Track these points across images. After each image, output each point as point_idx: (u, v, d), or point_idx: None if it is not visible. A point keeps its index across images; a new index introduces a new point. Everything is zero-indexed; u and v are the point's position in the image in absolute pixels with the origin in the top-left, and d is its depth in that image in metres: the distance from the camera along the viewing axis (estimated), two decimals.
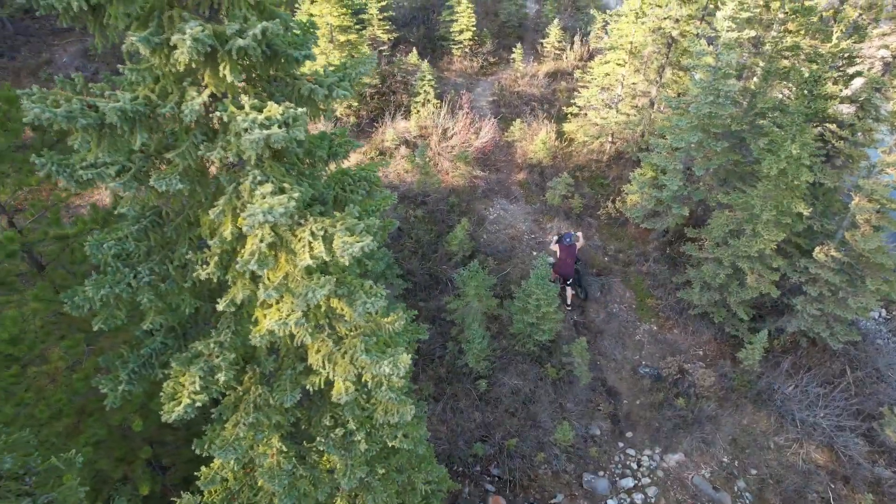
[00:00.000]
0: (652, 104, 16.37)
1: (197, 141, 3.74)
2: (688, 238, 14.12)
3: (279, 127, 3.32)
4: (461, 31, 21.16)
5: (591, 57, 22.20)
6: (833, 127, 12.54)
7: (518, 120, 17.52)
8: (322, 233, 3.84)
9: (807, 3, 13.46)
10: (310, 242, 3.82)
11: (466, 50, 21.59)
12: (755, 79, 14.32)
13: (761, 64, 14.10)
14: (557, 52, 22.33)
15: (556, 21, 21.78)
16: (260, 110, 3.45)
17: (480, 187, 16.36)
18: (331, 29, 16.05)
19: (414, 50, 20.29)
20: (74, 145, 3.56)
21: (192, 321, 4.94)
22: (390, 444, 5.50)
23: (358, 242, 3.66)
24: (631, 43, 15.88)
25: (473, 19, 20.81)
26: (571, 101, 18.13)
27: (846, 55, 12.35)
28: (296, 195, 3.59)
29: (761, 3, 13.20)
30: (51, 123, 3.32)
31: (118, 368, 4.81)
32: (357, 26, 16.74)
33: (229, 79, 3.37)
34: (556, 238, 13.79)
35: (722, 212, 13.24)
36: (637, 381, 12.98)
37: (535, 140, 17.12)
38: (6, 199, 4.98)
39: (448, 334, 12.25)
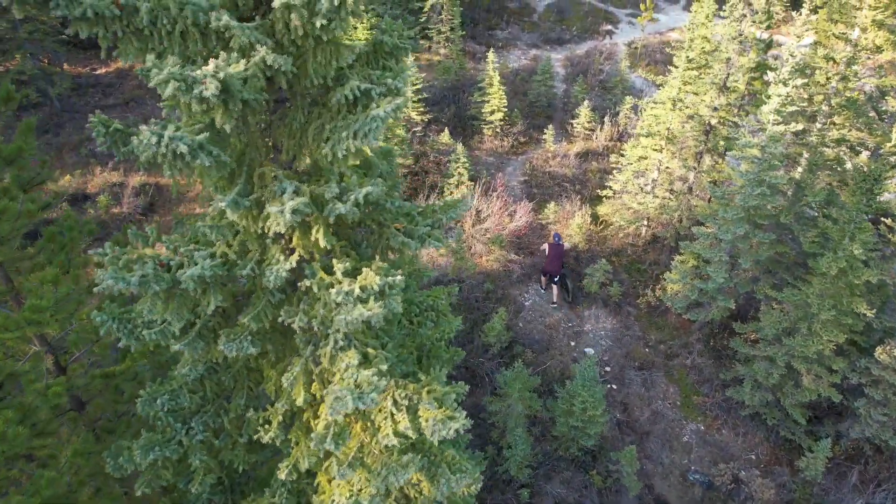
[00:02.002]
0: (690, 189, 16.12)
1: (274, 301, 3.39)
2: (735, 333, 13.46)
3: (375, 300, 2.96)
4: (492, 112, 21.42)
5: (620, 137, 22.29)
6: (889, 221, 12.08)
7: (552, 203, 17.34)
8: (406, 402, 3.40)
9: (848, 95, 13.34)
10: (392, 414, 3.38)
11: (497, 129, 21.79)
12: (800, 168, 14.06)
13: (806, 155, 13.86)
14: (587, 132, 22.45)
15: (585, 102, 22.00)
16: (353, 276, 3.11)
17: (515, 272, 15.98)
18: None
19: (446, 130, 20.50)
20: (143, 310, 3.22)
21: (244, 475, 4.46)
22: None
23: (451, 421, 3.21)
24: (668, 129, 15.82)
25: (505, 100, 21.09)
26: (605, 183, 17.97)
27: None
28: (384, 367, 3.19)
29: (805, 96, 13.09)
30: (121, 292, 3.00)
31: None
32: None
33: (322, 244, 3.06)
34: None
35: (771, 306, 12.66)
36: (687, 490, 12.04)
37: (570, 224, 16.85)
38: (55, 336, 4.68)
39: (487, 437, 11.55)
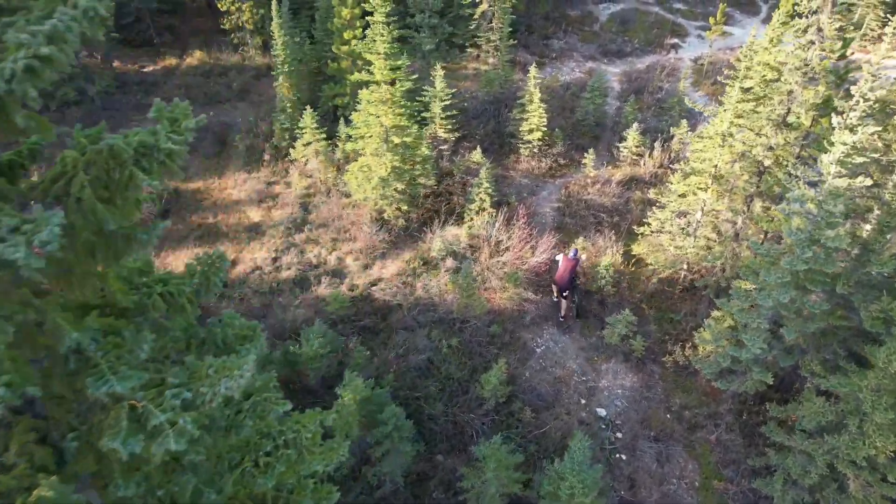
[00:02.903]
0: (736, 235, 14.20)
1: None
2: (771, 416, 11.58)
3: None
4: (531, 131, 20.00)
5: (672, 163, 20.31)
6: None
7: (581, 239, 15.79)
8: None
9: None
10: None
11: (535, 150, 20.34)
12: (868, 227, 11.96)
13: (877, 211, 11.75)
14: (635, 157, 20.63)
15: (635, 126, 20.17)
16: None
17: (530, 313, 14.60)
18: (385, 130, 15.27)
19: (477, 148, 19.27)
20: None
21: None
22: None
23: None
24: (715, 167, 13.97)
25: (545, 119, 19.62)
26: (645, 217, 16.19)
27: None
28: None
29: (880, 144, 11.04)
30: None
31: None
32: (414, 128, 15.90)
33: None
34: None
35: (815, 391, 10.75)
36: None
37: (599, 262, 15.26)
38: None
39: None
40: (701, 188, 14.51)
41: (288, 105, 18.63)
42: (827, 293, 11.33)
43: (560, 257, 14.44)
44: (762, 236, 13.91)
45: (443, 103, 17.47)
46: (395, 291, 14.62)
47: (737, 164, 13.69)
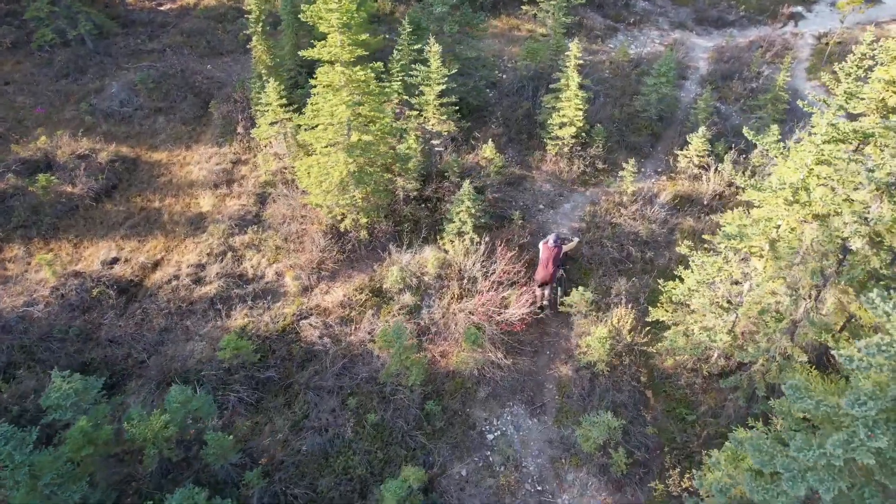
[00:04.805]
0: (792, 332, 9.86)
1: None
2: None
3: None
4: (562, 125, 15.79)
5: (753, 174, 15.40)
6: None
7: (581, 288, 11.89)
8: None
9: None
10: None
11: (566, 149, 16.14)
12: None
13: None
14: (698, 169, 15.93)
15: (702, 129, 15.36)
16: None
17: (491, 383, 11.21)
18: (346, 123, 11.87)
19: (489, 141, 15.41)
20: None
21: None
22: None
23: None
24: (777, 228, 9.58)
25: (580, 112, 15.31)
26: (689, 262, 11.85)
27: None
28: None
29: None
30: None
31: None
32: (386, 119, 12.40)
33: None
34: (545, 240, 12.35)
35: None
36: None
37: (593, 332, 11.41)
38: None
39: None
40: (754, 253, 10.17)
41: (263, 71, 15.57)
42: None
43: (540, 246, 12.28)
44: (792, 388, 9.41)
45: (439, 87, 13.66)
46: (328, 331, 11.68)
47: (808, 230, 9.21)
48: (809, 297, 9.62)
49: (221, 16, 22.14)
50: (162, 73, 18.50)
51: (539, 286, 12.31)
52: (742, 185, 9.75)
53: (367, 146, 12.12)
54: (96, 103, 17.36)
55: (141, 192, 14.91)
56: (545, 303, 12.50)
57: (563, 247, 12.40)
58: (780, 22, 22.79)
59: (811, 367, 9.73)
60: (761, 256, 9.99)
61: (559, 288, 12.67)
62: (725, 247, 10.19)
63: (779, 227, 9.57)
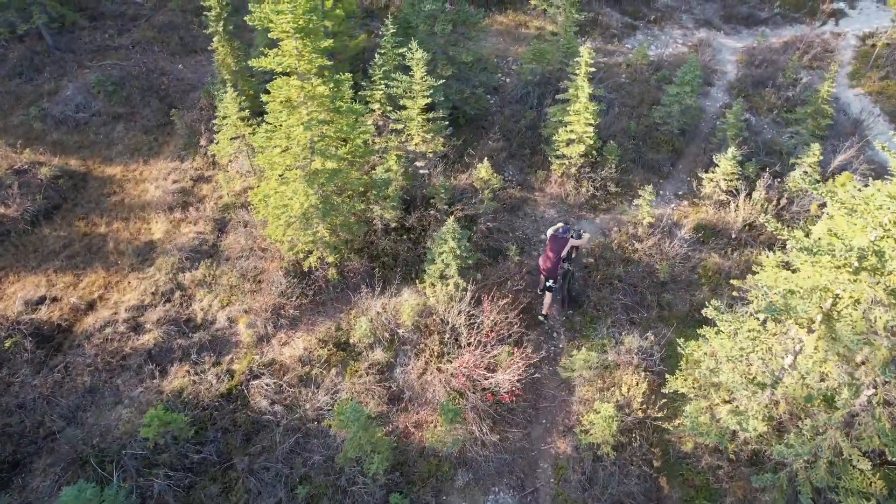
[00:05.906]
0: (849, 429, 7.83)
1: None
2: None
3: None
4: (569, 142, 13.74)
5: (780, 214, 13.27)
6: None
7: (584, 349, 9.93)
8: None
9: None
10: None
11: (572, 169, 14.09)
12: None
13: None
14: (726, 195, 13.81)
15: (731, 151, 13.23)
16: None
17: (473, 465, 9.31)
18: (308, 147, 9.93)
19: (485, 161, 13.38)
20: None
21: None
22: None
23: None
24: (835, 297, 7.54)
25: (591, 128, 13.24)
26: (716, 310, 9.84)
27: None
28: None
29: None
30: None
31: None
32: (358, 140, 10.45)
33: None
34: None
35: None
36: None
37: (594, 407, 9.46)
38: None
39: None
40: (801, 324, 8.12)
41: (227, 76, 13.62)
42: None
43: (548, 232, 11.16)
44: None
45: (424, 100, 11.63)
46: (281, 397, 9.83)
47: (878, 304, 7.15)
48: (874, 385, 7.59)
49: (198, 9, 20.17)
50: (125, 73, 16.65)
51: (543, 284, 11.30)
52: (787, 241, 7.68)
53: (333, 174, 10.17)
54: (48, 108, 15.55)
55: (87, 215, 13.10)
56: (549, 312, 11.46)
57: (571, 241, 11.00)
58: (818, 20, 20.39)
59: (875, 471, 7.75)
60: (811, 331, 7.96)
61: (564, 286, 11.51)
62: (763, 316, 8.15)
63: (837, 297, 7.52)
